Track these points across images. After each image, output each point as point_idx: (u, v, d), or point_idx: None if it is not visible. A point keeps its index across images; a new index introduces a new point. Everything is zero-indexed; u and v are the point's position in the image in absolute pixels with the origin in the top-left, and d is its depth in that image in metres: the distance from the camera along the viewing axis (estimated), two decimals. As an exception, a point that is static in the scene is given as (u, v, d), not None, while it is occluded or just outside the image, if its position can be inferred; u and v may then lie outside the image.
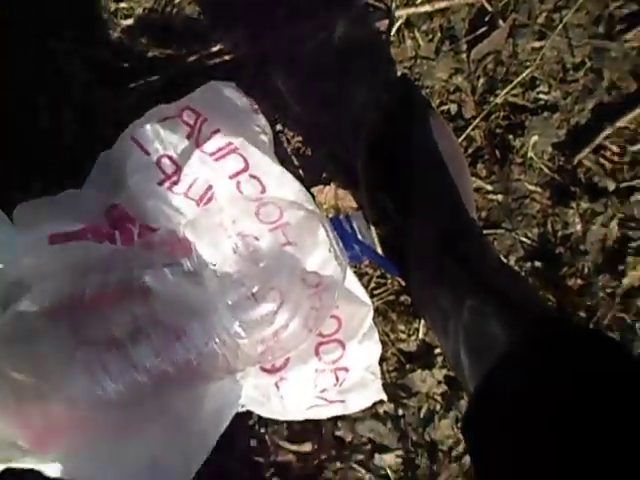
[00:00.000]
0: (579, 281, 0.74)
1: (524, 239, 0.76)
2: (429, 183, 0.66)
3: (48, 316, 0.55)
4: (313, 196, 0.68)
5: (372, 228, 0.65)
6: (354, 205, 0.70)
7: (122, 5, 0.70)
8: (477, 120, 0.75)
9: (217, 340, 0.54)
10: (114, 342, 0.54)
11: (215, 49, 0.69)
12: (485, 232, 0.75)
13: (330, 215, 0.69)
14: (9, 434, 0.52)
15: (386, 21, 0.68)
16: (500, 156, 0.76)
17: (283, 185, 0.61)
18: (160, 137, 0.60)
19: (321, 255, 0.60)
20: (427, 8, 0.68)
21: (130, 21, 0.70)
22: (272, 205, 0.62)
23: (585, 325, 0.72)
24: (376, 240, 0.65)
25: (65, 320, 0.55)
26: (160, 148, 0.60)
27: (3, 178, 0.69)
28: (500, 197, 0.76)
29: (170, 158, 0.61)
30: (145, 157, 0.60)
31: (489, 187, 0.76)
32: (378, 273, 0.72)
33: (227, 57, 0.69)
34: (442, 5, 0.69)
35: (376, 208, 0.68)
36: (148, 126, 0.60)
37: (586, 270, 0.74)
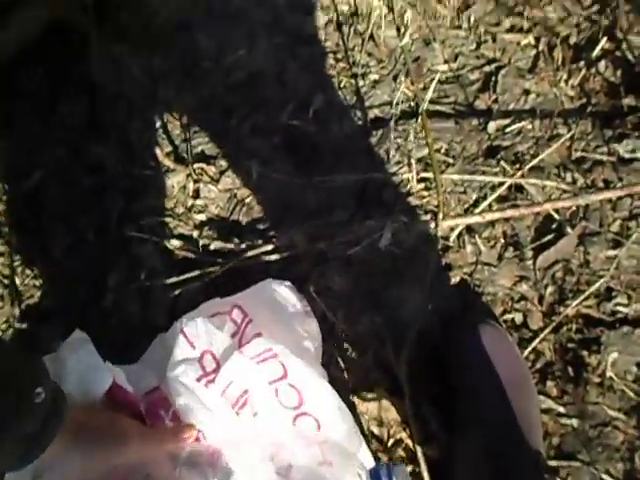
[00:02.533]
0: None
1: (606, 476, 0.65)
2: (481, 401, 0.60)
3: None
4: (354, 406, 0.64)
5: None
6: (398, 418, 0.64)
7: (198, 202, 0.76)
8: (546, 332, 0.69)
9: None
10: None
11: (274, 246, 0.71)
12: (557, 464, 0.65)
13: (372, 427, 0.64)
14: None
15: (435, 227, 0.67)
16: (573, 374, 0.68)
17: (322, 399, 0.58)
18: (206, 333, 0.61)
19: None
20: (478, 219, 0.66)
21: (202, 216, 0.76)
22: (310, 418, 0.59)
23: None
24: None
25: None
26: (205, 344, 0.60)
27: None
28: (575, 422, 0.67)
29: (213, 355, 0.60)
30: (190, 350, 0.60)
31: (561, 409, 0.67)
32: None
33: (285, 254, 0.71)
34: (496, 217, 0.68)
35: (420, 423, 0.62)
36: (198, 320, 0.62)
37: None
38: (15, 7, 0.79)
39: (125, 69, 0.82)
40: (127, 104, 0.81)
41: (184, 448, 0.55)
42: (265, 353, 0.59)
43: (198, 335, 0.61)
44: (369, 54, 0.80)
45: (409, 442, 0.65)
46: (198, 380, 0.58)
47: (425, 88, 0.76)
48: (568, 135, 0.75)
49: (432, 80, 0.75)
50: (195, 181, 0.76)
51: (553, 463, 0.65)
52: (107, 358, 0.66)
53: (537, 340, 0.69)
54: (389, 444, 0.65)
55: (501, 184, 0.73)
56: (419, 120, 0.74)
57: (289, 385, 0.58)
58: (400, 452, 0.65)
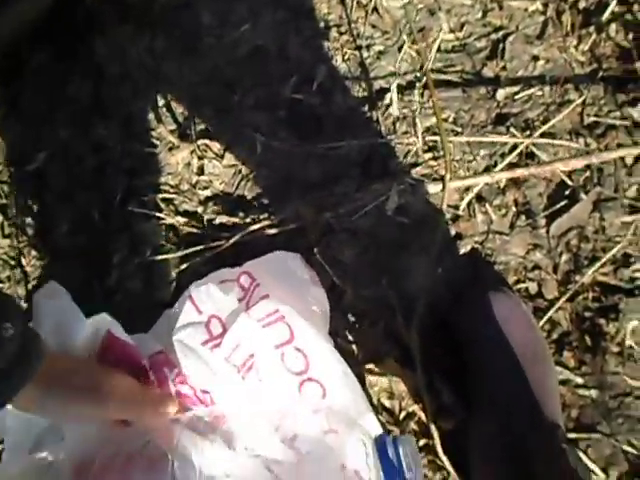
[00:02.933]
0: None
1: (628, 448, 0.62)
2: (494, 373, 0.58)
3: (68, 471, 0.51)
4: (364, 378, 0.62)
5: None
6: (409, 390, 0.62)
7: (203, 178, 0.75)
8: (561, 301, 0.67)
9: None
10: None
11: (280, 219, 0.70)
12: (576, 436, 0.62)
13: (383, 399, 0.62)
14: None
15: (443, 189, 0.65)
16: (591, 343, 0.66)
17: (327, 364, 0.56)
18: (213, 298, 0.60)
19: (362, 455, 0.53)
20: (487, 179, 0.64)
21: (207, 192, 0.75)
22: (316, 384, 0.57)
23: None
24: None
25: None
26: (212, 309, 0.59)
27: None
28: (594, 393, 0.64)
29: (219, 319, 0.59)
30: (196, 315, 0.59)
31: (579, 380, 0.65)
32: (439, 477, 0.61)
33: (291, 226, 0.70)
34: (505, 176, 0.66)
35: (433, 395, 0.60)
36: (204, 286, 0.61)
37: None
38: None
39: (128, 49, 0.82)
40: (131, 84, 0.80)
41: (186, 412, 0.54)
42: (272, 315, 0.57)
43: (205, 300, 0.60)
44: (373, 26, 0.79)
45: (421, 415, 0.63)
46: (204, 344, 0.57)
47: (430, 51, 0.74)
48: (579, 100, 0.73)
49: (435, 41, 0.74)
50: (199, 157, 0.75)
51: (572, 435, 0.63)
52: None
53: (553, 310, 0.67)
54: (401, 417, 0.63)
55: (511, 150, 0.71)
56: (425, 82, 0.72)
57: (295, 349, 0.57)
58: (412, 425, 0.63)
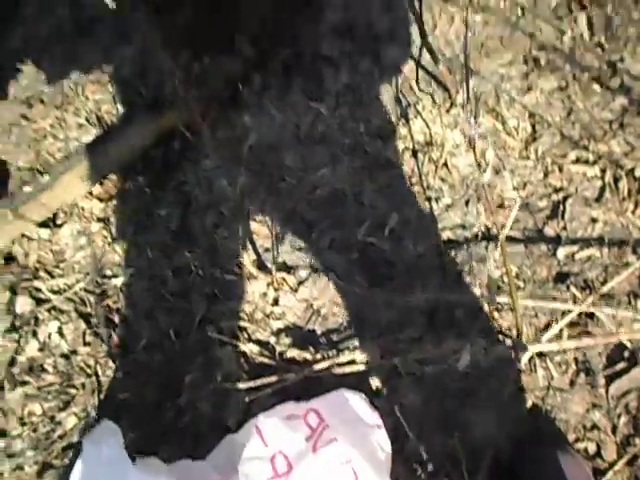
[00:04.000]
0: None
1: None
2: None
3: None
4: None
5: None
6: None
7: (276, 310, 0.80)
8: (620, 464, 0.68)
9: None
10: None
11: (348, 358, 0.74)
12: None
13: None
14: None
15: (513, 352, 0.69)
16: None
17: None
18: (280, 433, 0.64)
19: None
20: (556, 346, 0.68)
21: (280, 323, 0.80)
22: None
23: None
24: None
25: None
26: (278, 444, 0.63)
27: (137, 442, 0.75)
28: None
29: (285, 457, 0.63)
30: (263, 448, 0.63)
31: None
32: None
33: (358, 367, 0.74)
34: (572, 345, 0.70)
35: None
36: (273, 419, 0.65)
37: None
38: (135, 118, 0.90)
39: (217, 181, 0.90)
40: (216, 214, 0.88)
41: None
42: (339, 458, 0.61)
43: (272, 434, 0.64)
44: (442, 179, 0.86)
45: None
46: (268, 480, 0.60)
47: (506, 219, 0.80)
48: (638, 264, 0.77)
49: (509, 208, 0.80)
50: (275, 289, 0.81)
51: None
52: (175, 455, 0.69)
53: (610, 472, 0.68)
54: None
55: (573, 310, 0.75)
56: (496, 246, 0.77)
57: (358, 494, 0.59)
58: None
